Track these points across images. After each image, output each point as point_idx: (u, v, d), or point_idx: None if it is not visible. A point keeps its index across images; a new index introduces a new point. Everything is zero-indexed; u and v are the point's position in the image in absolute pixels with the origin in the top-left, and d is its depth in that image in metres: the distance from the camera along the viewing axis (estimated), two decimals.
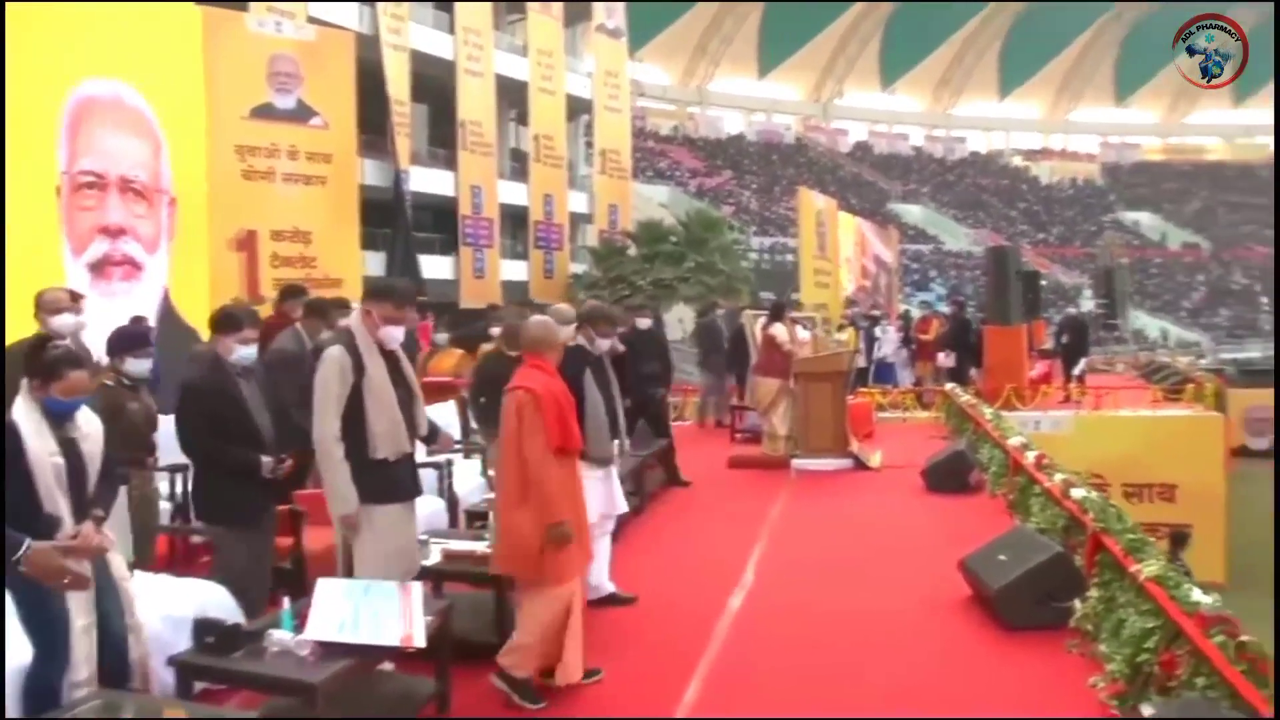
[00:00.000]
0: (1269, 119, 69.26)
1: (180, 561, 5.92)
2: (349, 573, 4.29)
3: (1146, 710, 3.98)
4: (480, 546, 4.98)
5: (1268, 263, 54.37)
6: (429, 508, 6.20)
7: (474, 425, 7.88)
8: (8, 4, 8.08)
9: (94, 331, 6.52)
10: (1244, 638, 3.49)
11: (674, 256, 23.10)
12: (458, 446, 7.44)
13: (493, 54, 22.80)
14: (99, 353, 7.60)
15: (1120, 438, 13.52)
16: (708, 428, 13.40)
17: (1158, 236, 58.38)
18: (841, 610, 5.74)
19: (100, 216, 10.61)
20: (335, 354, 4.30)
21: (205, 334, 7.35)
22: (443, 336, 10.91)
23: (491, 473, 7.11)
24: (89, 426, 3.71)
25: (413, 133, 21.19)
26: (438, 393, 8.34)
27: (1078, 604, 5.05)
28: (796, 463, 9.99)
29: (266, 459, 4.57)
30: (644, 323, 10.00)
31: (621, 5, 27.66)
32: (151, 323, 8.88)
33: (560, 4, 25.16)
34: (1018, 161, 67.86)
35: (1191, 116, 71.87)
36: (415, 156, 21.43)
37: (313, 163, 13.18)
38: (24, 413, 3.51)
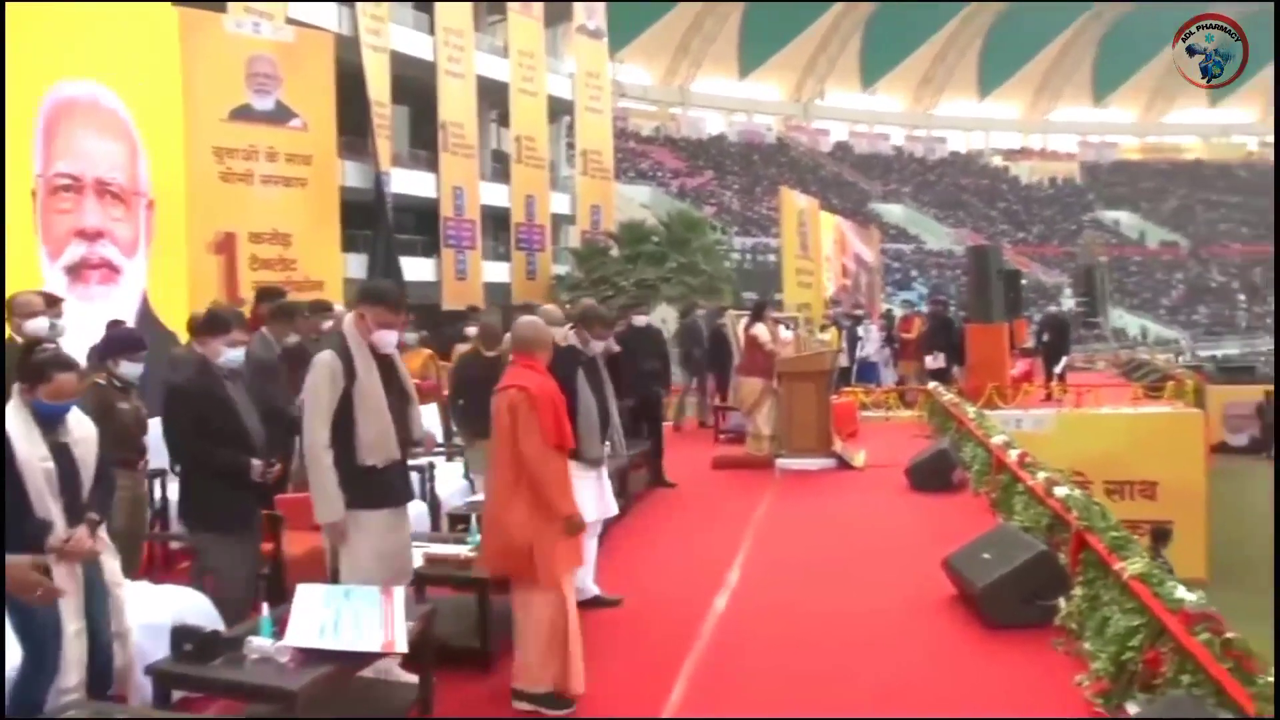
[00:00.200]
0: (1245, 118, 70.04)
1: (160, 567, 5.86)
2: (337, 579, 4.24)
3: (1131, 708, 3.98)
4: (463, 550, 4.95)
5: (1244, 260, 54.91)
6: (411, 511, 6.14)
7: (455, 427, 7.85)
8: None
9: (72, 335, 6.46)
10: (1229, 635, 3.49)
11: (656, 257, 23.07)
12: (440, 449, 7.40)
13: (473, 55, 22.71)
14: (79, 357, 7.54)
15: (1101, 435, 13.59)
16: (687, 429, 13.38)
17: (1136, 235, 58.82)
18: (826, 610, 5.73)
19: (77, 219, 10.50)
20: (326, 359, 4.21)
21: (184, 338, 7.31)
22: (412, 336, 10.85)
23: (474, 476, 7.09)
24: (81, 431, 3.69)
25: (393, 134, 21.06)
26: None
27: (1062, 602, 5.05)
28: (780, 462, 9.98)
29: (256, 462, 4.51)
30: (640, 320, 9.98)
31: (602, 6, 27.61)
32: (130, 326, 8.77)
33: (541, 5, 25.09)
34: (998, 161, 68.22)
35: (1169, 116, 72.48)
36: (396, 158, 21.31)
37: (292, 164, 13.08)
38: (14, 417, 3.50)
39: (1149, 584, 4.19)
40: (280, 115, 13.04)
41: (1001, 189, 63.99)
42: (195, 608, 4.27)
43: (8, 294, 5.68)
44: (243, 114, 12.74)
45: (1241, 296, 51.43)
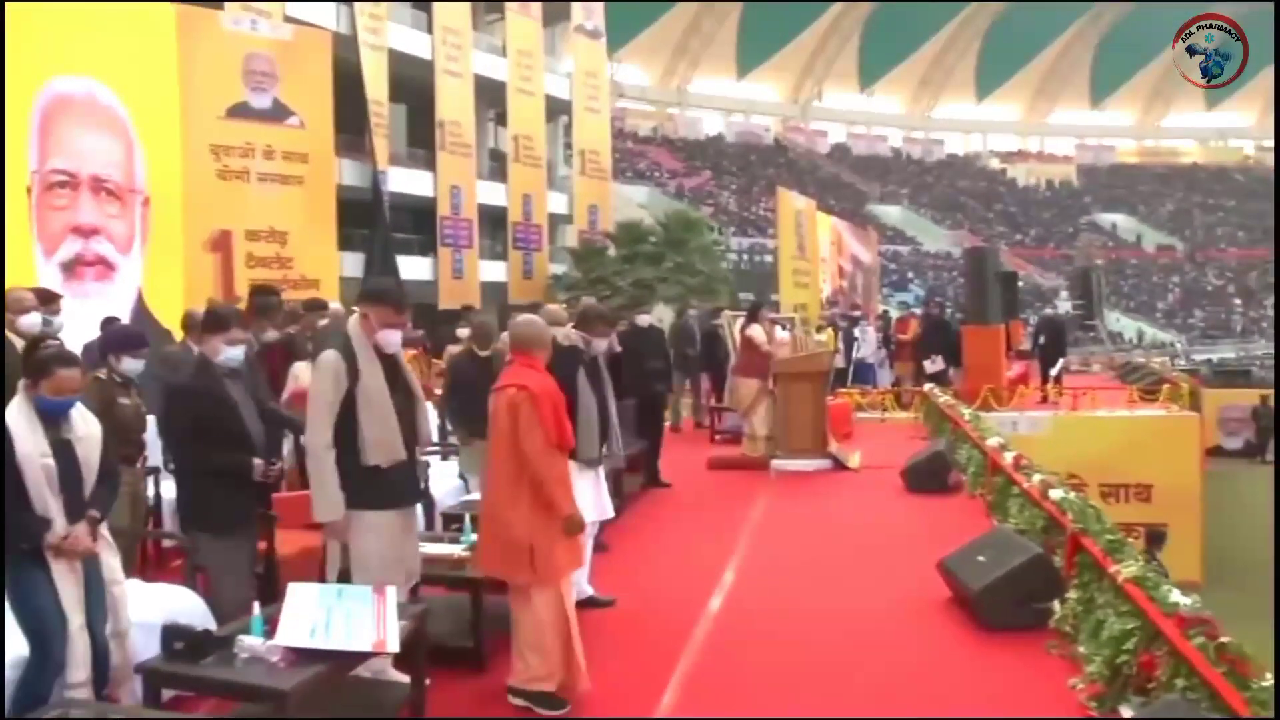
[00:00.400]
0: (1242, 122, 70.17)
1: (153, 565, 5.84)
2: (340, 578, 4.20)
3: (1125, 711, 3.98)
4: (457, 549, 4.93)
5: (1241, 264, 55.01)
6: None
7: (449, 427, 7.84)
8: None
9: (66, 332, 6.44)
10: (1223, 639, 3.48)
11: (653, 257, 23.10)
12: (434, 448, 7.39)
13: (471, 54, 22.71)
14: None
15: (1097, 438, 13.60)
16: (684, 429, 13.35)
17: (1133, 238, 58.89)
18: (820, 611, 5.72)
19: (72, 216, 10.48)
20: (330, 359, 4.15)
21: (180, 335, 7.28)
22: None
23: (468, 475, 7.08)
24: (85, 429, 3.69)
25: (391, 133, 21.07)
26: None
27: (1057, 605, 5.05)
28: (776, 463, 9.97)
29: (258, 461, 4.45)
30: (644, 320, 9.94)
31: (600, 6, 27.62)
32: (128, 323, 8.75)
33: (539, 4, 25.09)
34: (995, 163, 68.30)
35: (1166, 119, 72.62)
36: (394, 157, 21.31)
37: (289, 162, 13.05)
38: (17, 413, 3.52)
39: (1144, 587, 4.18)
40: (277, 113, 13.01)
41: (999, 191, 64.07)
42: (187, 606, 4.24)
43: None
44: (240, 112, 12.71)
45: (1238, 300, 51.51)
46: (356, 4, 19.60)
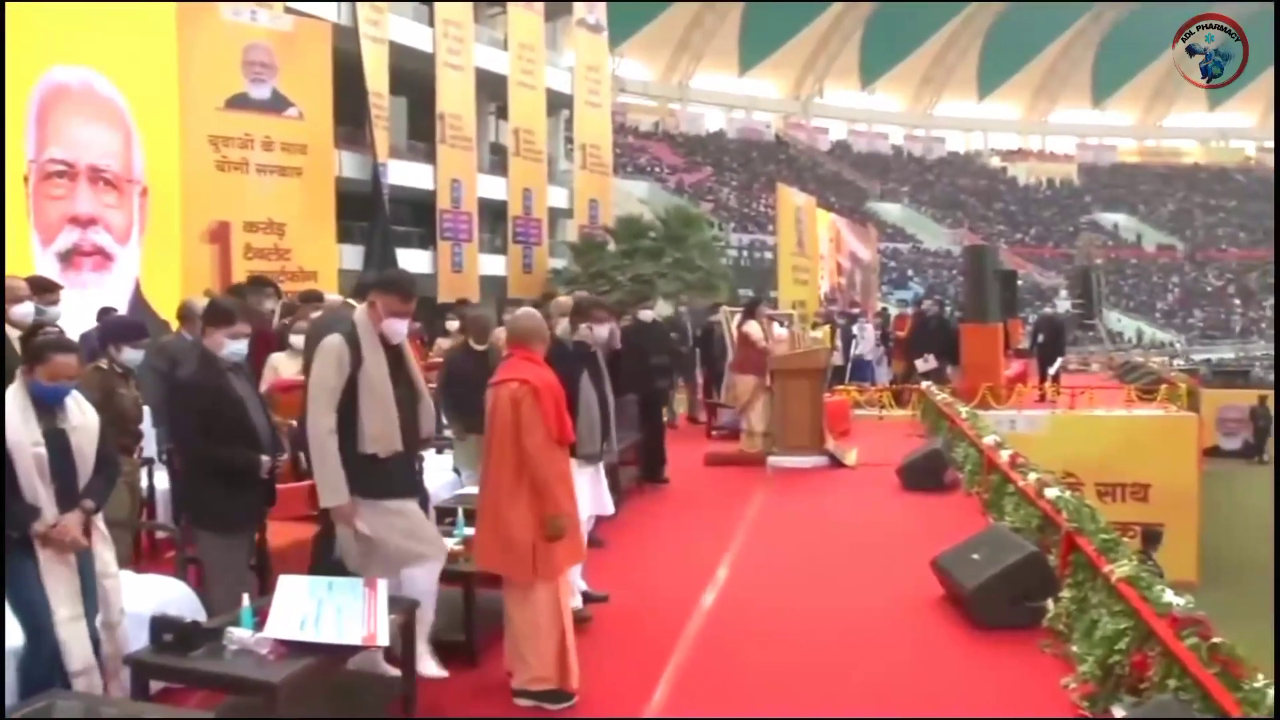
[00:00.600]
0: (1244, 123, 70.11)
1: (146, 557, 5.83)
2: (333, 570, 4.16)
3: (1117, 711, 3.97)
4: (450, 543, 4.91)
5: (1241, 265, 55.00)
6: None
7: (444, 420, 7.80)
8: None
9: (63, 322, 6.43)
10: (1216, 639, 3.47)
11: (653, 252, 23.05)
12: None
13: (473, 47, 22.62)
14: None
15: (1094, 437, 13.59)
16: (678, 426, 13.31)
17: (1134, 238, 58.87)
18: (814, 608, 5.71)
19: (70, 206, 10.47)
20: (334, 343, 4.10)
21: (176, 326, 7.26)
22: None
23: (462, 469, 7.06)
24: (81, 418, 3.66)
25: (391, 126, 20.98)
26: None
27: (1051, 604, 5.04)
28: (772, 460, 9.96)
29: (265, 459, 4.34)
30: (646, 314, 9.85)
31: (602, 1, 27.55)
32: (125, 314, 8.75)
33: None
34: (996, 162, 68.25)
35: (1167, 119, 72.55)
36: (394, 149, 21.22)
37: (288, 154, 13.05)
38: (12, 400, 3.50)
39: (1137, 587, 4.17)
40: (276, 104, 13.00)
41: (999, 190, 64.02)
42: (178, 598, 4.23)
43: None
44: (239, 102, 12.70)
45: (1237, 301, 51.52)
46: None
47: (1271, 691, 3.13)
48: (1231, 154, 70.82)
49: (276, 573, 4.01)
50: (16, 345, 4.85)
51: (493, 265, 23.58)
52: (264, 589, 3.92)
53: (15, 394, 3.53)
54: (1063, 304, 33.54)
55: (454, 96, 21.87)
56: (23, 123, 9.90)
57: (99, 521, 3.70)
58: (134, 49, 10.79)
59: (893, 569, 6.44)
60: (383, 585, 3.75)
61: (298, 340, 6.49)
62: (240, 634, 3.39)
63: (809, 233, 23.57)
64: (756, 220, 44.03)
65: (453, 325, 9.82)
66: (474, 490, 5.06)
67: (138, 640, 3.72)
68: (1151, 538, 11.09)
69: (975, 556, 5.51)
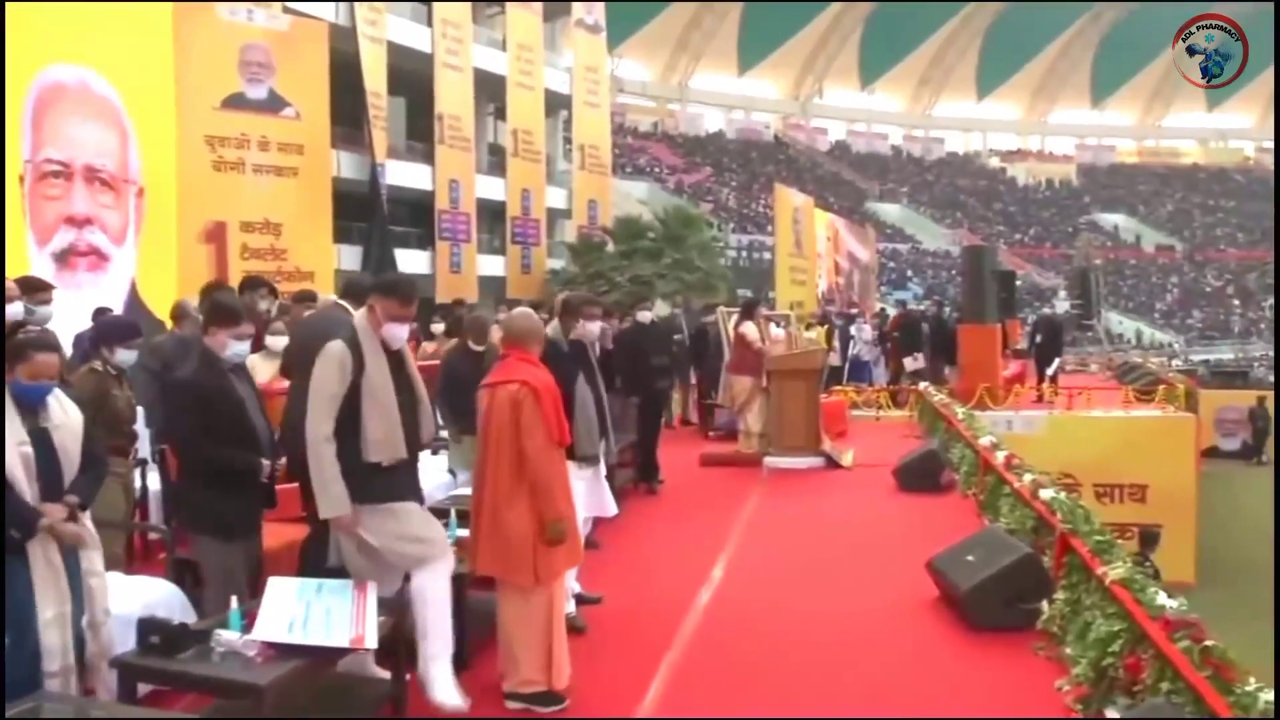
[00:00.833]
0: (1243, 123, 70.15)
1: (138, 558, 5.81)
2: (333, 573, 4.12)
3: (1110, 714, 3.95)
4: None
5: (1240, 265, 55.02)
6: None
7: (440, 421, 7.78)
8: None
9: (59, 323, 6.41)
10: (1208, 642, 3.45)
11: (652, 253, 23.04)
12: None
13: (471, 48, 22.62)
14: (65, 344, 7.49)
15: (1092, 438, 13.59)
16: (674, 427, 13.28)
17: (1133, 238, 58.88)
18: (808, 609, 5.70)
19: (65, 206, 10.45)
20: (336, 349, 3.99)
21: (170, 326, 7.24)
22: None
23: (457, 470, 7.04)
24: (63, 417, 3.62)
25: (390, 126, 20.97)
26: None
27: (1045, 606, 5.03)
28: (768, 461, 9.95)
29: (265, 462, 4.28)
30: (645, 316, 9.81)
31: (601, 1, 27.53)
32: (119, 314, 8.72)
33: None
34: (995, 162, 68.27)
35: (1167, 120, 72.58)
36: (392, 150, 21.22)
37: (284, 154, 13.00)
38: None
39: (1131, 589, 4.16)
40: (273, 104, 12.96)
41: (999, 190, 64.04)
42: (167, 599, 4.21)
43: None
44: (235, 102, 12.66)
45: (1236, 301, 51.52)
46: None
47: (1263, 695, 3.12)
48: (1230, 154, 70.86)
49: (268, 574, 3.99)
50: None
51: (491, 266, 23.58)
52: (255, 591, 3.89)
53: None
54: (1061, 304, 33.57)
55: (452, 97, 21.86)
56: (18, 122, 9.89)
57: (86, 520, 3.67)
58: (130, 48, 10.77)
59: (888, 570, 6.43)
60: (372, 587, 3.73)
61: (274, 341, 6.45)
62: (228, 636, 3.36)
63: (807, 233, 23.56)
64: (756, 221, 44.02)
65: (438, 328, 9.76)
66: (467, 491, 5.02)
67: (127, 642, 3.70)
68: (1149, 539, 11.06)
69: (970, 558, 5.50)
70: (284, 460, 4.54)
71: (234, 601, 3.52)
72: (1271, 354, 35.33)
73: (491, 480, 4.23)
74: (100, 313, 7.77)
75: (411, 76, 20.98)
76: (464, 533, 4.68)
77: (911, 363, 15.51)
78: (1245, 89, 61.42)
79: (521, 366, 4.31)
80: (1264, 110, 66.30)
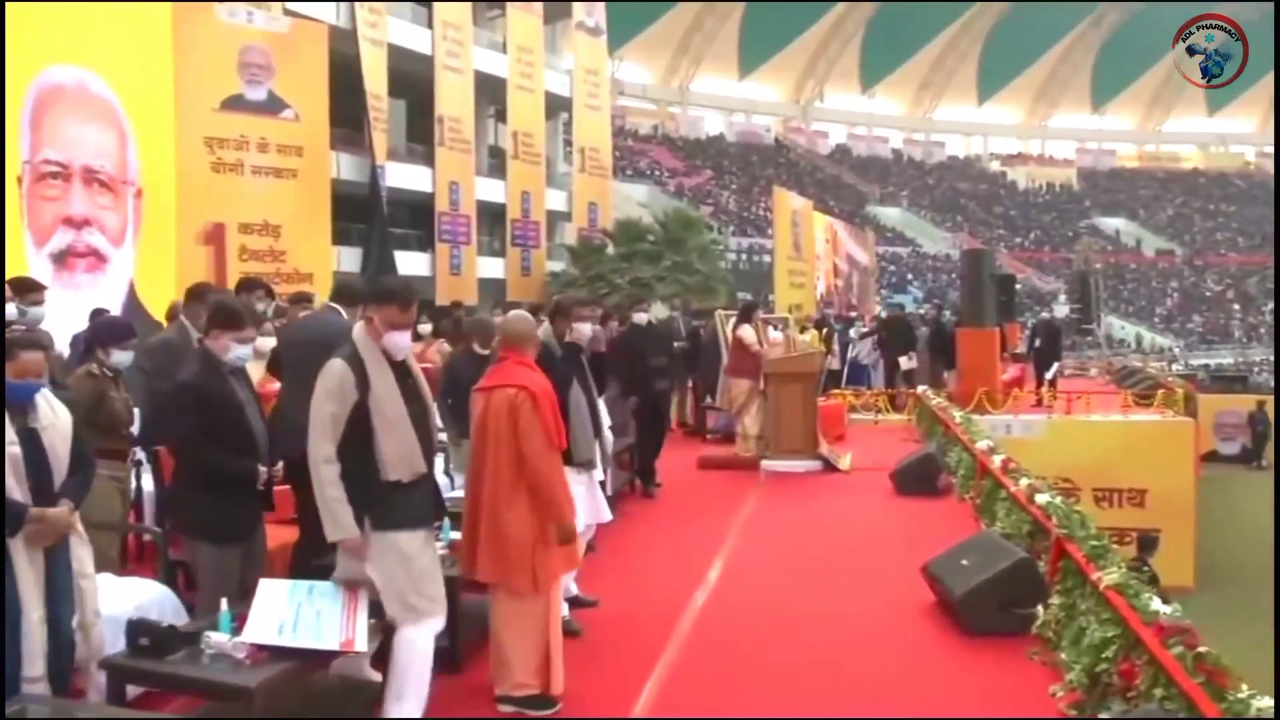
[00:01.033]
0: (1243, 128, 70.16)
1: (132, 559, 5.80)
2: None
3: (1104, 719, 3.94)
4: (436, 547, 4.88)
5: (1240, 270, 55.01)
6: None
7: (440, 424, 7.77)
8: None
9: (56, 324, 6.42)
10: (1201, 649, 3.44)
11: (651, 255, 23.05)
12: None
13: (472, 50, 22.63)
14: (62, 345, 7.49)
15: (1091, 442, 13.57)
16: (672, 430, 13.24)
17: (1133, 242, 58.87)
18: (804, 612, 5.69)
19: (63, 207, 10.45)
20: (336, 369, 3.80)
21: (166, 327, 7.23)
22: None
23: (454, 473, 7.03)
24: (52, 417, 3.59)
25: (390, 128, 20.99)
26: None
27: (1040, 611, 5.01)
28: (766, 464, 9.94)
29: (264, 469, 4.22)
30: (641, 317, 9.79)
31: (602, 4, 27.55)
32: (115, 314, 8.70)
33: (540, 1, 25.03)
34: (995, 166, 68.26)
35: (1167, 124, 72.60)
36: (392, 152, 21.23)
37: (283, 155, 13.01)
38: None
39: (1125, 595, 4.15)
40: (272, 106, 12.97)
41: (999, 194, 64.04)
42: (158, 601, 4.20)
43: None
44: (234, 104, 12.66)
45: (1236, 306, 51.51)
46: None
47: (1255, 702, 3.11)
48: (1231, 159, 70.84)
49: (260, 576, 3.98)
50: None
51: (491, 268, 23.59)
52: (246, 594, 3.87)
53: None
54: (1061, 309, 33.60)
55: (453, 99, 21.87)
56: (17, 123, 9.88)
57: (76, 521, 3.65)
58: (129, 49, 10.77)
59: (883, 574, 6.41)
60: (364, 591, 3.71)
61: (262, 342, 6.41)
62: (217, 638, 3.35)
63: (805, 236, 23.57)
64: (756, 224, 44.03)
65: (425, 329, 9.73)
66: (459, 494, 5.01)
67: (118, 644, 3.69)
68: (1148, 543, 11.03)
69: (965, 562, 5.48)
70: (281, 464, 4.48)
71: (224, 604, 3.51)
72: (1271, 359, 35.32)
73: (490, 485, 4.19)
74: (97, 314, 7.76)
75: (412, 78, 20.99)
76: (456, 535, 4.68)
77: (906, 362, 15.52)
78: (1246, 93, 61.49)
79: (518, 371, 4.28)
80: (1264, 115, 66.30)
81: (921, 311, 20.09)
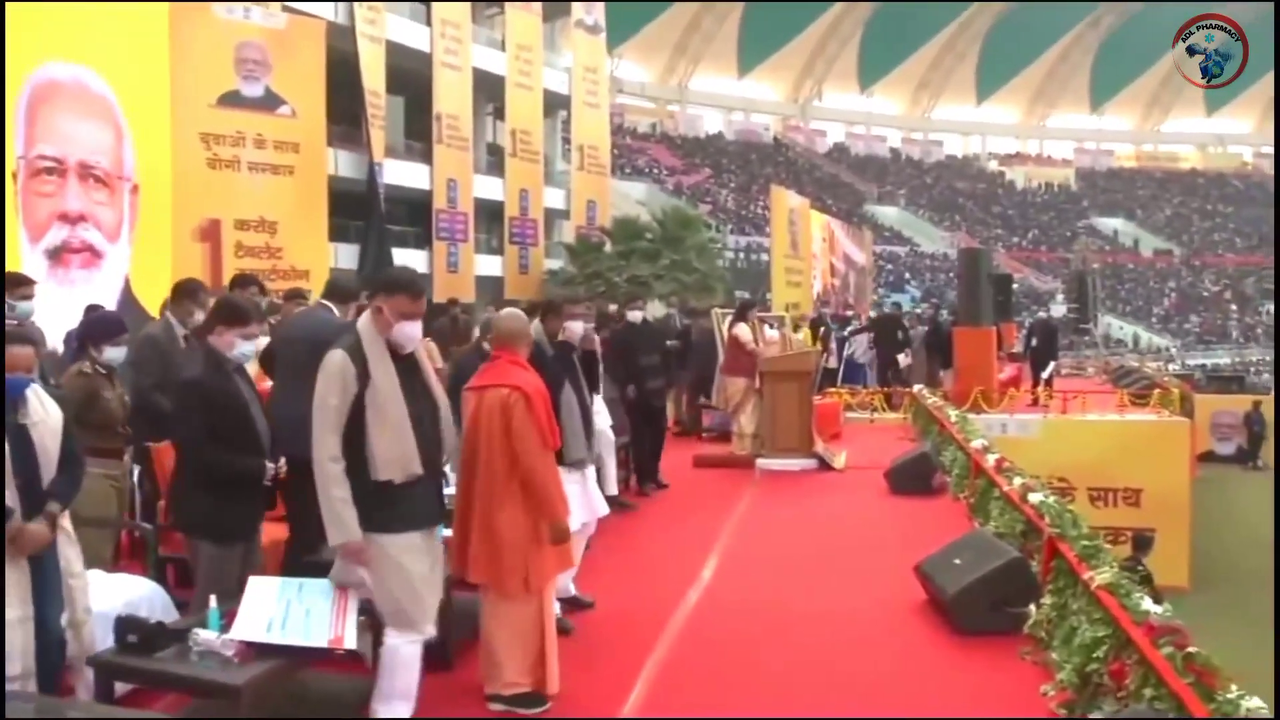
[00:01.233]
0: (1241, 129, 70.22)
1: (125, 555, 5.79)
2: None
3: (1095, 718, 3.94)
4: None
5: (1238, 270, 55.06)
6: None
7: None
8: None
9: (51, 320, 6.39)
10: (1191, 649, 3.44)
11: (649, 254, 23.06)
12: None
13: (470, 47, 22.62)
14: (55, 342, 7.47)
15: (1087, 442, 13.58)
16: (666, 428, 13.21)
17: (1131, 242, 58.93)
18: (796, 611, 5.68)
19: (59, 203, 10.41)
20: (336, 361, 3.67)
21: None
22: None
23: (454, 474, 7.01)
24: (43, 414, 3.56)
25: (388, 125, 20.97)
26: None
27: (1032, 610, 5.01)
28: (761, 462, 9.93)
29: (270, 466, 4.19)
30: (635, 315, 9.77)
31: (601, 2, 27.54)
32: (108, 309, 8.67)
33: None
34: (994, 166, 68.32)
35: (1165, 125, 72.67)
36: (390, 149, 21.21)
37: (280, 152, 13.00)
38: None
39: (1116, 594, 4.14)
40: (269, 102, 12.96)
41: (997, 194, 64.10)
42: (148, 597, 4.18)
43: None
44: (231, 100, 12.65)
45: (1234, 306, 51.57)
46: None
47: (1244, 702, 3.11)
48: (1229, 159, 70.94)
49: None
50: None
51: (489, 266, 23.58)
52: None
53: None
54: (1059, 308, 33.61)
55: (451, 96, 21.86)
56: (12, 119, 9.85)
57: (64, 520, 3.62)
58: (126, 45, 10.73)
59: (876, 573, 6.41)
60: (354, 589, 3.70)
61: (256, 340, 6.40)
62: (206, 635, 3.34)
63: (803, 234, 23.57)
64: (754, 222, 44.05)
65: None
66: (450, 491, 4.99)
67: (109, 640, 3.68)
68: (1143, 543, 11.04)
69: (957, 561, 5.48)
70: (284, 461, 4.45)
71: (213, 601, 3.50)
72: (1269, 358, 35.35)
73: (482, 485, 4.16)
74: (92, 310, 7.74)
75: (410, 76, 20.98)
76: (448, 533, 4.66)
77: (904, 359, 15.54)
78: (1244, 94, 61.54)
79: (511, 370, 4.25)
80: (1262, 115, 66.38)
81: (918, 311, 20.09)
